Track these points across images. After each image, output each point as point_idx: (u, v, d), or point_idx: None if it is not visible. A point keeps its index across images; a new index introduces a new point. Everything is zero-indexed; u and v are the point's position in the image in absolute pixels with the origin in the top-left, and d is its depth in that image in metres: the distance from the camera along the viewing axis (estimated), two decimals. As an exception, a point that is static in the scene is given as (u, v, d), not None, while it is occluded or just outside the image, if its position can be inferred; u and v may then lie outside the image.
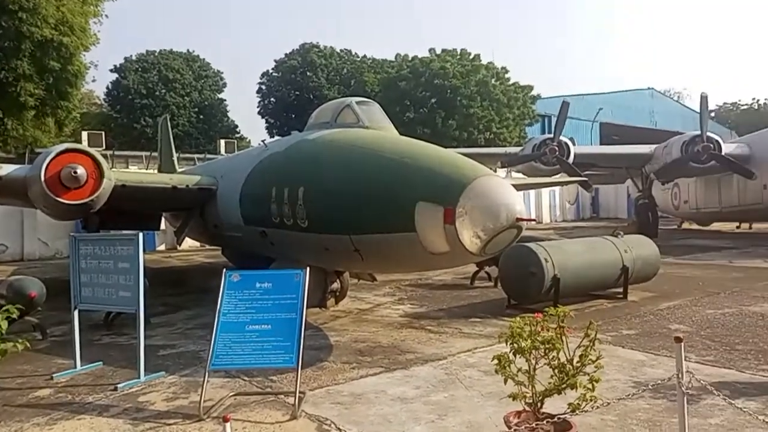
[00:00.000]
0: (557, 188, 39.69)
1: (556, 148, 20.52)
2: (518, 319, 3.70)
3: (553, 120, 49.49)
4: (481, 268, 11.46)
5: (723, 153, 19.79)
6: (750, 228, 25.05)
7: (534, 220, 6.24)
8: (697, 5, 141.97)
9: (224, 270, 5.18)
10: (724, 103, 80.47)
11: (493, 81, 39.13)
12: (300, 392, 4.80)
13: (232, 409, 4.87)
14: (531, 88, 41.50)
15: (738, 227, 25.38)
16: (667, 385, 5.09)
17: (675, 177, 21.70)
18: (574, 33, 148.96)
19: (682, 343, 3.22)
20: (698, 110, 20.97)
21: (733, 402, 4.71)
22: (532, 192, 38.60)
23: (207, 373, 4.90)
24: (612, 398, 4.07)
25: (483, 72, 38.38)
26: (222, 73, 48.69)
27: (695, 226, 26.80)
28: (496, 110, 38.35)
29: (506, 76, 40.63)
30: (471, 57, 39.29)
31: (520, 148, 23.29)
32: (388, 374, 5.70)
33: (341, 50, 47.77)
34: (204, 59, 48.59)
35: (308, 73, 44.48)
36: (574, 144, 24.48)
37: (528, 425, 3.37)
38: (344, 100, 9.01)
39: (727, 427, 4.22)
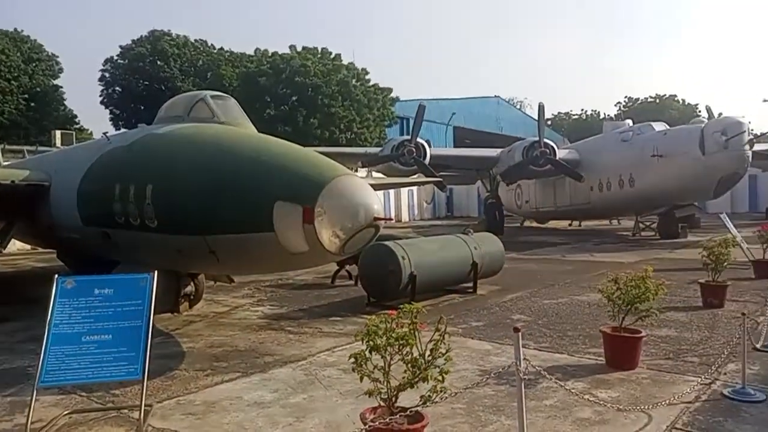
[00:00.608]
0: (415, 188, 41.40)
1: (414, 150, 21.35)
2: (374, 317, 3.75)
3: (411, 122, 51.63)
4: (342, 267, 11.56)
5: (557, 158, 21.95)
6: (579, 225, 28.04)
7: (391, 219, 6.44)
8: (539, 26, 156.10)
9: (56, 276, 4.65)
10: (559, 113, 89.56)
11: (353, 81, 39.78)
12: (146, 405, 4.45)
13: (67, 428, 4.39)
14: (390, 90, 42.84)
15: (570, 225, 28.29)
16: (509, 372, 5.49)
17: (517, 179, 23.61)
18: (432, 40, 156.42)
19: (520, 333, 3.48)
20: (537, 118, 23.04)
21: (563, 384, 5.23)
22: (391, 191, 39.82)
23: (35, 391, 4.36)
24: (461, 387, 4.28)
25: (344, 72, 38.88)
26: (57, 57, 44.12)
27: (535, 224, 29.39)
28: (357, 110, 39.06)
29: (366, 77, 41.53)
30: (332, 56, 39.60)
31: (379, 149, 23.89)
32: (245, 379, 5.51)
33: (196, 40, 45.63)
34: (35, 40, 43.67)
35: (159, 63, 41.86)
36: (430, 146, 25.70)
37: (383, 420, 3.43)
38: (198, 94, 8.58)
39: (560, 407, 4.65)
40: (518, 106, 77.25)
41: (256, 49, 40.27)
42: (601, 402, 4.66)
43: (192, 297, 8.82)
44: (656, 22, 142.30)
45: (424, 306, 8.49)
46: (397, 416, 3.48)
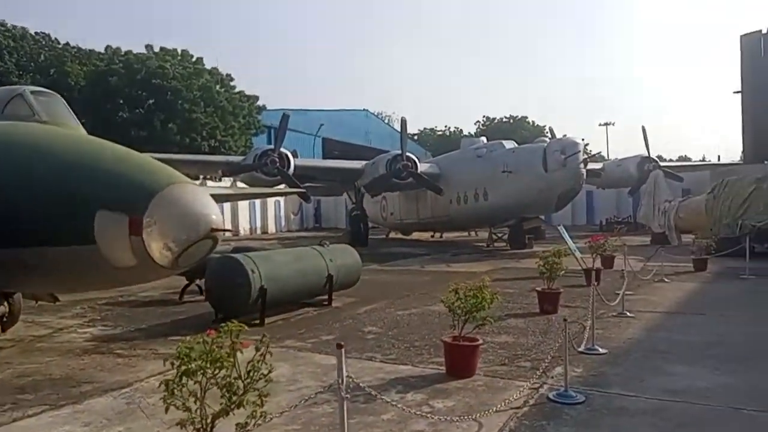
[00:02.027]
0: (282, 199, 40.71)
1: (277, 159, 20.90)
2: (189, 338, 3.41)
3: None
4: (192, 282, 10.86)
5: (419, 171, 22.69)
6: (441, 237, 29.22)
7: (230, 230, 6.07)
8: (411, 43, 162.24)
9: None
10: (425, 128, 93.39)
11: (217, 87, 38.29)
12: None
13: None
14: (257, 98, 41.88)
15: (432, 236, 29.36)
16: (350, 387, 5.38)
17: (381, 191, 24.03)
18: (303, 51, 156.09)
19: (343, 350, 3.34)
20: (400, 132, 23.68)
21: (404, 395, 5.24)
22: (258, 202, 38.84)
23: None
24: (291, 406, 4.05)
25: (207, 77, 37.30)
26: None
27: (400, 236, 30.13)
28: (221, 117, 37.62)
29: (231, 83, 40.21)
30: (194, 59, 37.81)
31: (242, 158, 23.10)
32: (52, 413, 4.82)
33: (36, 33, 41.20)
34: None
35: (-8, 55, 37.20)
36: (296, 156, 25.38)
37: (196, 454, 3.11)
38: (15, 88, 7.64)
39: (396, 420, 4.59)
40: (386, 120, 79.39)
41: (107, 47, 37.24)
42: (436, 413, 4.68)
43: (5, 319, 7.72)
44: (514, 48, 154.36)
45: (276, 320, 8.19)
46: (213, 447, 3.17)
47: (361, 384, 3.78)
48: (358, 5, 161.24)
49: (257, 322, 8.29)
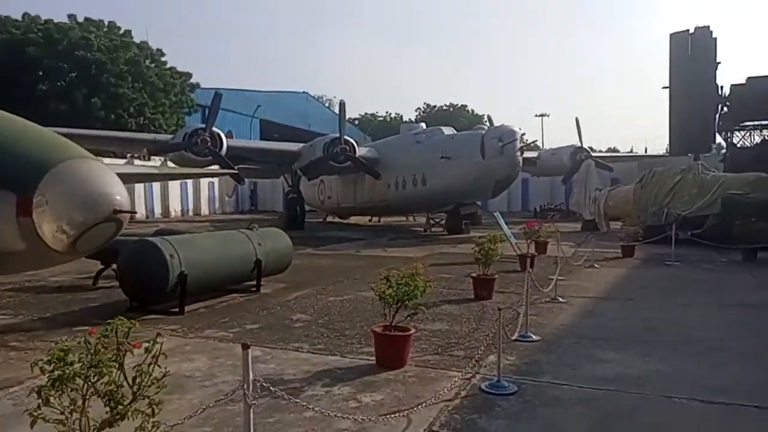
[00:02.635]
0: (216, 181, 39.32)
1: (208, 139, 19.95)
2: (65, 338, 2.91)
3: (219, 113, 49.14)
4: (107, 266, 10.06)
5: (357, 155, 22.27)
6: (379, 221, 28.99)
7: (134, 212, 5.45)
8: (351, 26, 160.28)
9: None
10: (366, 113, 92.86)
11: (146, 62, 36.31)
12: None
13: None
14: (190, 75, 40.09)
15: (370, 221, 29.10)
16: (272, 381, 4.98)
17: (318, 174, 23.48)
18: (242, 30, 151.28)
19: (249, 351, 2.92)
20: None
21: (331, 389, 4.88)
22: (189, 183, 37.32)
23: None
24: (213, 404, 3.59)
25: (135, 50, 35.27)
26: None
27: (338, 220, 29.68)
28: (150, 94, 35.74)
29: (162, 59, 38.24)
30: (121, 32, 35.65)
31: (171, 136, 21.93)
32: None
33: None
34: None
35: None
36: (231, 137, 24.37)
37: (75, 470, 2.63)
38: None
39: (319, 419, 4.21)
40: (327, 105, 78.19)
41: (25, 14, 34.44)
42: (363, 409, 4.37)
43: None
44: (455, 38, 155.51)
45: (199, 308, 7.61)
46: (97, 462, 2.70)
47: (271, 387, 3.35)
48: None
49: (177, 310, 7.71)
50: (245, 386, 2.84)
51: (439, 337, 6.63)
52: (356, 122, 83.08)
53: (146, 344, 2.94)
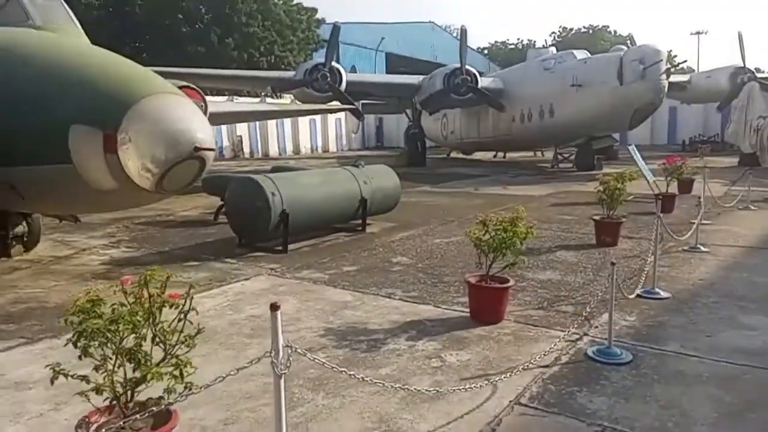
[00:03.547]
0: (342, 117, 39.83)
1: (328, 74, 19.82)
2: (97, 286, 2.75)
3: (341, 47, 49.26)
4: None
5: (479, 86, 21.03)
6: (504, 157, 27.66)
7: (211, 149, 5.22)
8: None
9: None
10: (496, 41, 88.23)
11: (275, 0, 36.88)
12: None
13: None
14: (315, 10, 40.21)
15: (495, 156, 27.86)
16: (355, 330, 4.71)
17: (439, 108, 22.65)
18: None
19: (279, 312, 2.55)
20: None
21: (415, 344, 4.50)
22: (318, 120, 38.19)
23: None
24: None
25: (264, -12, 35.85)
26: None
27: (462, 156, 28.79)
28: (278, 32, 36.44)
29: (290, -5, 38.60)
30: (250, -30, 36.29)
31: (293, 73, 22.18)
32: (24, 348, 4.44)
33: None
34: None
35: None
36: (355, 71, 24.18)
37: (111, 425, 2.50)
38: (9, -11, 6.96)
39: (396, 377, 3.87)
40: (455, 34, 75.20)
41: (164, -41, 36.23)
42: (445, 369, 3.94)
43: (26, 239, 7.54)
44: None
45: (301, 247, 7.56)
46: (134, 417, 2.55)
47: (308, 354, 2.99)
48: None
49: (281, 248, 7.73)
50: (273, 354, 2.49)
51: (547, 289, 5.95)
52: (485, 51, 79.35)
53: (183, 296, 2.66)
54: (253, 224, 7.61)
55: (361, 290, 5.95)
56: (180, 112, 4.78)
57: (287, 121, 35.61)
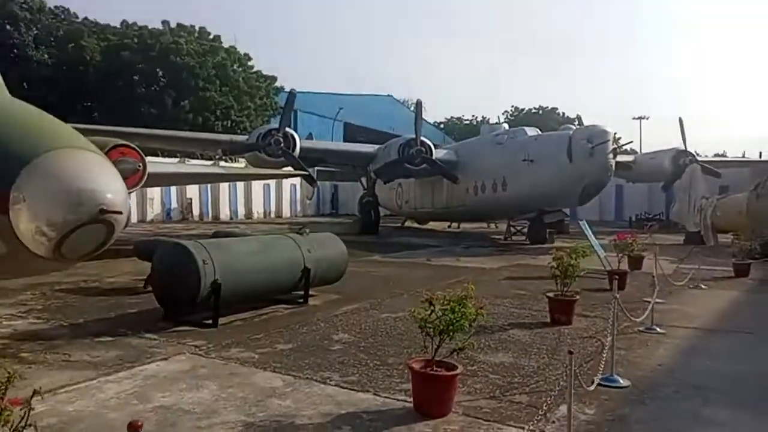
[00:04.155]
0: (297, 182, 39.54)
1: (281, 140, 19.58)
2: None
3: (300, 115, 49.76)
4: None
5: (434, 157, 21.17)
6: (458, 227, 27.67)
7: (119, 212, 4.60)
8: (440, 31, 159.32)
9: None
10: (452, 117, 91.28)
11: (234, 66, 37.16)
12: None
13: None
14: (275, 78, 40.68)
15: (449, 226, 27.84)
16: (280, 424, 4.03)
17: (393, 177, 22.61)
18: (327, 35, 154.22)
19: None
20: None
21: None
22: (272, 184, 37.77)
23: None
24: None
25: (223, 55, 36.17)
26: None
27: (416, 225, 28.65)
28: (236, 97, 36.53)
29: (249, 63, 39.05)
30: (211, 37, 36.71)
31: (246, 137, 21.87)
32: None
33: (56, 7, 40.43)
34: None
35: (8, 27, 36.45)
36: (312, 138, 24.02)
37: None
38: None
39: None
40: (412, 108, 77.37)
41: (123, 21, 36.33)
42: (379, 480, 3.31)
43: None
44: (551, 38, 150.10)
45: (235, 320, 6.81)
46: None
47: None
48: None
49: (210, 322, 7.01)
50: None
51: (500, 374, 5.42)
52: (441, 126, 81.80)
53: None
54: (180, 294, 6.90)
55: (293, 373, 5.28)
56: (87, 170, 4.21)
57: (240, 185, 35.07)
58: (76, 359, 5.54)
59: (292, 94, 20.62)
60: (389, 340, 6.66)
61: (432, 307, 4.41)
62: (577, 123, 22.06)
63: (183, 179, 20.06)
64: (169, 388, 4.79)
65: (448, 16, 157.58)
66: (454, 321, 4.25)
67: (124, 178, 11.14)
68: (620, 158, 21.68)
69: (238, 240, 8.85)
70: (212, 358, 5.74)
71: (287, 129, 20.10)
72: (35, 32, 38.32)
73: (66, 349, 5.90)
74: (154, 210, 31.52)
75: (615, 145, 18.52)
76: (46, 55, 36.57)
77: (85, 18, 40.27)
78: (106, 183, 4.25)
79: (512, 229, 21.57)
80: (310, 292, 8.81)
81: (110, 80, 33.58)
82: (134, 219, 29.66)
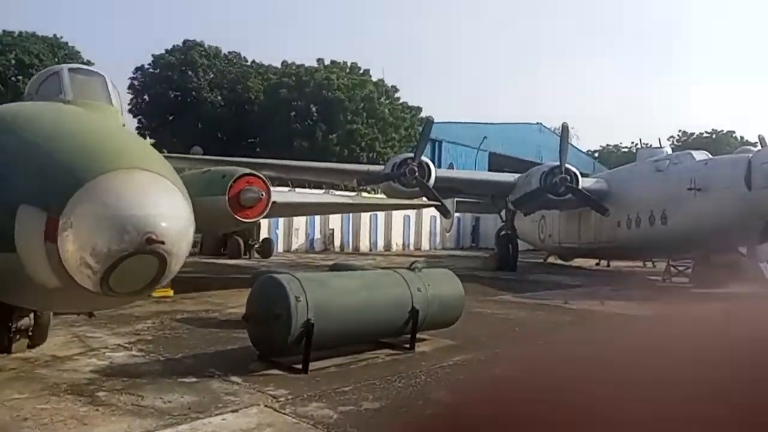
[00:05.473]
0: (437, 215, 39.03)
1: (416, 169, 19.07)
2: None
3: (444, 145, 49.53)
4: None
5: (580, 186, 19.27)
6: (608, 265, 25.00)
7: (162, 242, 4.15)
8: (594, 54, 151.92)
9: None
10: (608, 145, 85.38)
11: (381, 99, 38.00)
12: None
13: None
14: (420, 109, 40.87)
15: (597, 264, 25.28)
16: None
17: (534, 208, 21.01)
18: (475, 62, 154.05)
19: None
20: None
21: None
22: (412, 216, 37.64)
23: None
24: None
25: (371, 88, 37.14)
26: (93, 63, 44.29)
27: (560, 261, 26.45)
28: (381, 129, 37.15)
29: (396, 95, 39.70)
30: (360, 72, 37.99)
31: (383, 167, 21.76)
32: None
33: (229, 52, 44.92)
34: (73, 47, 43.95)
35: (189, 73, 41.09)
36: (453, 168, 23.28)
37: None
38: (57, 67, 6.78)
39: None
40: (561, 135, 73.58)
41: (283, 61, 39.04)
42: None
43: (31, 333, 6.81)
44: (721, 51, 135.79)
45: (329, 366, 6.11)
46: None
47: None
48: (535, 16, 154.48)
49: (300, 367, 6.40)
50: None
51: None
52: (596, 154, 76.75)
53: None
54: (270, 334, 6.39)
55: (366, 446, 4.40)
56: (140, 193, 3.78)
57: (380, 216, 35.38)
58: (146, 404, 5.17)
59: (429, 122, 20.16)
60: (498, 407, 5.49)
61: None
62: (759, 146, 18.72)
63: (308, 209, 20.41)
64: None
65: (609, 36, 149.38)
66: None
67: (249, 207, 11.40)
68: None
69: (339, 275, 8.25)
70: (285, 413, 5.05)
71: (423, 158, 19.59)
72: (211, 76, 42.86)
73: (145, 390, 5.60)
74: (299, 240, 32.85)
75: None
76: (219, 97, 40.53)
77: (253, 61, 44.21)
78: (164, 208, 3.79)
79: (672, 269, 18.72)
80: (422, 336, 7.93)
81: (270, 117, 36.09)
82: (280, 249, 31.13)
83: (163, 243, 3.73)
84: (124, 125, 6.08)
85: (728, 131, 74.19)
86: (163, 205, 3.91)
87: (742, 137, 72.27)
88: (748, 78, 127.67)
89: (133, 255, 3.69)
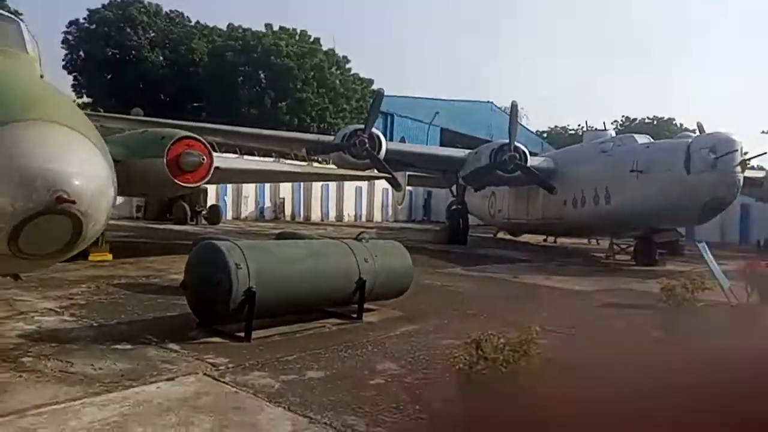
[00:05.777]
0: (389, 187, 39.00)
1: (366, 141, 18.83)
2: None
3: (396, 119, 49.27)
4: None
5: (529, 165, 19.52)
6: (555, 242, 25.61)
7: (73, 201, 3.86)
8: (546, 39, 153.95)
9: None
10: (555, 126, 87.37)
11: (332, 69, 37.27)
12: None
13: None
14: (371, 81, 40.43)
15: (545, 240, 25.85)
16: None
17: (483, 184, 21.19)
18: (429, 38, 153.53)
19: None
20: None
21: None
22: (364, 188, 37.51)
23: None
24: None
25: (321, 57, 36.34)
26: (22, 14, 41.36)
27: (509, 236, 26.93)
28: (332, 99, 36.56)
29: (347, 66, 39.03)
30: (311, 40, 37.05)
31: (333, 137, 21.39)
32: None
33: (171, 11, 42.82)
34: (2, -4, 40.87)
35: (127, 30, 38.97)
36: (403, 141, 23.11)
37: None
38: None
39: None
40: (513, 115, 74.54)
41: (229, 24, 37.61)
42: None
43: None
44: (663, 44, 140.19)
45: (273, 335, 5.90)
46: None
47: None
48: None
49: (243, 335, 6.18)
50: None
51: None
52: (545, 135, 78.30)
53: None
54: (210, 302, 6.12)
55: (310, 414, 4.25)
56: (56, 148, 3.43)
57: (332, 187, 35.03)
58: (75, 371, 4.85)
59: (380, 94, 19.89)
60: (443, 377, 5.45)
61: (481, 352, 3.20)
62: (697, 131, 19.39)
63: (254, 176, 19.89)
64: (154, 421, 3.93)
65: (556, 26, 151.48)
66: (508, 376, 3.02)
67: (190, 171, 10.90)
68: (749, 173, 18.82)
69: (283, 243, 8.01)
70: (224, 382, 4.84)
71: (373, 130, 19.35)
72: (152, 35, 40.84)
73: (75, 356, 5.27)
74: (248, 208, 32.17)
75: (743, 157, 15.95)
76: (161, 57, 38.75)
77: (197, 21, 42.36)
78: (74, 166, 3.44)
79: (615, 247, 19.35)
80: (370, 307, 7.83)
81: (216, 81, 34.81)
82: (229, 216, 30.42)
83: (74, 203, 3.39)
84: (42, 77, 5.59)
85: (669, 118, 77.07)
86: (78, 162, 3.55)
87: (681, 124, 75.29)
88: (686, 68, 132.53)
89: (43, 214, 3.34)
